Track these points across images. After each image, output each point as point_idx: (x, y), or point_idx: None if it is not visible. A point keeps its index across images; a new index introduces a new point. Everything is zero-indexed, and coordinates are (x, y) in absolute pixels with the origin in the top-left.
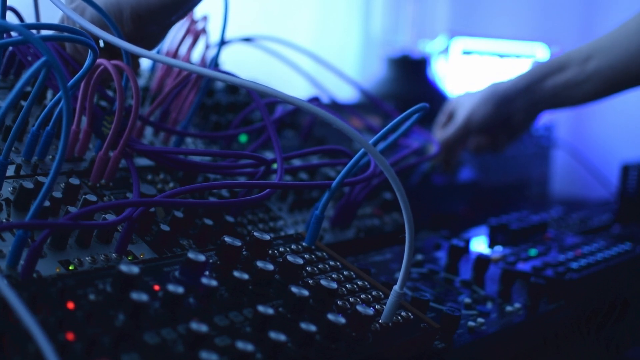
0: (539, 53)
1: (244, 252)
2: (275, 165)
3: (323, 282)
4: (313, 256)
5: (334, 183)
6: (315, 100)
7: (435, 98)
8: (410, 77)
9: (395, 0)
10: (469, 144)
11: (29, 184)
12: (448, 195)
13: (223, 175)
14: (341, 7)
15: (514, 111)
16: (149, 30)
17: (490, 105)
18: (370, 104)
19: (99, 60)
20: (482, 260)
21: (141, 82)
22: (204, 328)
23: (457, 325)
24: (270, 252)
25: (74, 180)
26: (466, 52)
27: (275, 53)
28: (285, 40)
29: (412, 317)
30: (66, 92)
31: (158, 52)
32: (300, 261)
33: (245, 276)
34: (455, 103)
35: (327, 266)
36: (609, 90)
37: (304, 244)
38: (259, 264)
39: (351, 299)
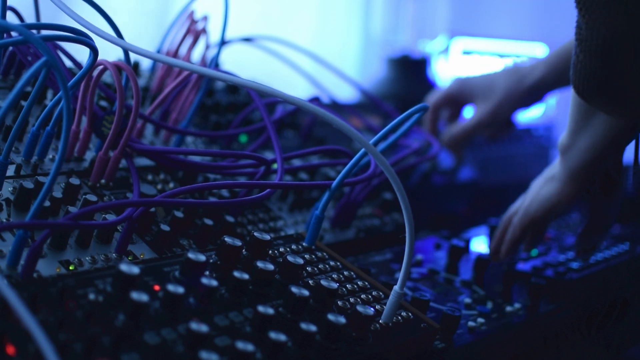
0: (539, 53)
1: (244, 252)
2: (275, 165)
3: (323, 282)
4: (313, 256)
5: (334, 183)
6: (315, 100)
7: None
8: (410, 77)
9: (395, 0)
10: (484, 134)
11: (29, 184)
12: (448, 195)
13: (223, 175)
14: (341, 7)
15: (540, 99)
16: None
17: (518, 102)
18: (370, 104)
19: (99, 60)
20: (482, 260)
21: (141, 82)
22: (204, 328)
23: (457, 325)
24: (270, 252)
25: (74, 180)
26: (466, 52)
27: (275, 53)
28: (285, 40)
29: (412, 317)
30: (66, 92)
31: (158, 52)
32: (301, 261)
33: (245, 276)
34: (464, 89)
35: (327, 266)
36: None
37: (304, 244)
38: (259, 264)
39: (351, 299)
